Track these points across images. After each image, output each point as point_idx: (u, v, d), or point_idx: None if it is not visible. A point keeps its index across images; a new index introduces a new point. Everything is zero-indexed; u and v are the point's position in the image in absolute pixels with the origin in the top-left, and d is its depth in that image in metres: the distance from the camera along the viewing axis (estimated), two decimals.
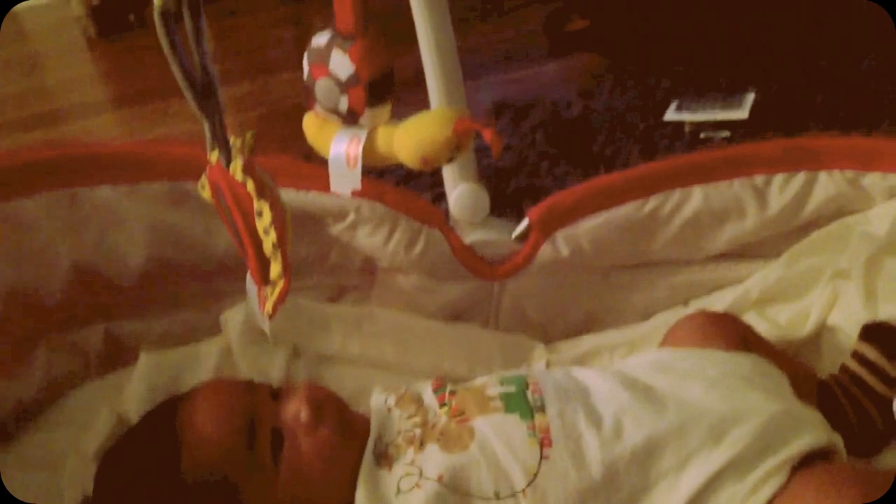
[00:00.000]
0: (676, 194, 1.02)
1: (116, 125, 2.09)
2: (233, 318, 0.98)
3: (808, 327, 0.99)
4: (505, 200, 1.38)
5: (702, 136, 1.53)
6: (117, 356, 0.98)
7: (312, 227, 1.00)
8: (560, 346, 1.07)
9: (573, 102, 1.69)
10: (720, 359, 0.85)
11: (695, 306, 1.07)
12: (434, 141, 0.74)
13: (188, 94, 0.68)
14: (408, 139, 0.76)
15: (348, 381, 0.99)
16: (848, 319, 0.96)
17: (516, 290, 1.05)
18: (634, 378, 0.83)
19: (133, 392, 0.93)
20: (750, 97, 1.58)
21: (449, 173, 1.08)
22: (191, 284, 1.00)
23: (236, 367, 0.97)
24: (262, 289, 0.76)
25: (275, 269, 0.72)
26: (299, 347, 1.01)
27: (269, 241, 0.70)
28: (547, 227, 1.01)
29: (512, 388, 0.82)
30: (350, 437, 0.82)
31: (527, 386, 0.82)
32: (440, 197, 1.13)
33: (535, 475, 0.75)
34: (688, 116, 1.56)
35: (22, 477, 0.87)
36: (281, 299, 0.72)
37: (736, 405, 0.78)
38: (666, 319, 1.06)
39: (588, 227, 1.01)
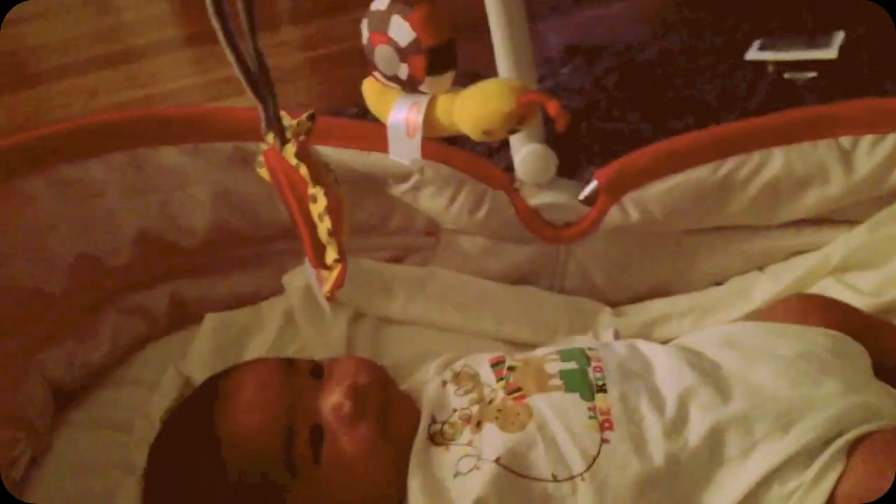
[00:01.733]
0: (755, 157, 0.96)
1: (190, 63, 2.09)
2: (295, 281, 0.98)
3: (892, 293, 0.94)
4: (574, 150, 1.33)
5: (786, 76, 1.45)
6: (182, 318, 0.99)
7: (374, 189, 0.99)
8: (627, 311, 1.04)
9: (647, 44, 1.61)
10: (796, 335, 0.81)
11: (771, 272, 1.03)
12: (497, 114, 0.71)
13: (242, 80, 0.66)
14: (470, 111, 0.73)
15: (410, 344, 0.99)
16: None
17: (582, 255, 1.02)
18: (701, 355, 0.80)
19: (198, 353, 0.94)
20: (839, 36, 1.48)
21: (515, 134, 1.04)
22: (255, 247, 1.00)
23: (298, 330, 0.97)
24: (319, 270, 0.75)
25: (330, 254, 0.71)
26: (361, 309, 1.00)
27: (323, 227, 0.68)
28: (615, 191, 0.97)
29: (573, 365, 0.80)
30: (394, 427, 0.79)
31: (588, 362, 0.80)
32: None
33: (595, 459, 0.73)
34: (771, 56, 1.48)
35: (90, 436, 0.90)
36: (338, 285, 0.71)
37: (806, 392, 0.75)
38: (739, 286, 1.02)
39: (658, 190, 0.97)
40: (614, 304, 1.05)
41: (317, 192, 0.68)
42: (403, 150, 0.77)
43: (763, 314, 0.90)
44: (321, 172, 0.69)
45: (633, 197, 0.97)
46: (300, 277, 0.98)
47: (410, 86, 0.76)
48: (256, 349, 0.96)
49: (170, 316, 1.00)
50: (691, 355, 0.80)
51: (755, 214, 1.00)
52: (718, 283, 1.05)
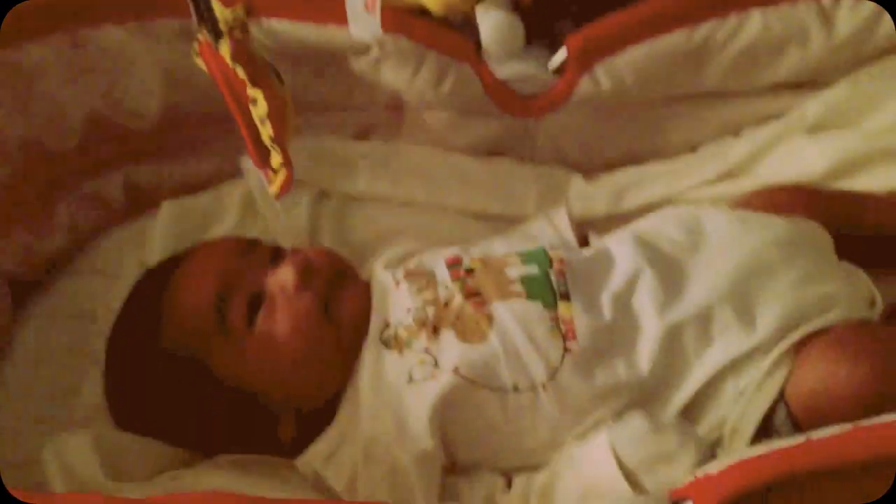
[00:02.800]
0: (731, 20, 0.92)
1: None
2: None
3: (884, 141, 0.91)
4: (550, 13, 1.27)
5: None
6: (140, 204, 0.96)
7: (333, 63, 0.94)
8: (600, 178, 1.01)
9: None
10: (758, 224, 0.80)
11: (747, 137, 0.99)
12: None
13: None
14: None
15: (376, 223, 0.96)
16: None
17: (553, 127, 0.99)
18: (661, 249, 0.79)
19: (157, 242, 0.92)
20: None
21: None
22: (209, 128, 0.96)
23: (259, 215, 0.95)
24: (265, 170, 0.71)
25: (275, 158, 0.67)
26: (324, 189, 0.97)
27: (265, 132, 0.65)
28: (586, 59, 0.93)
29: (535, 270, 0.78)
30: (340, 310, 0.78)
31: (550, 265, 0.78)
32: None
33: (557, 370, 0.72)
34: None
35: (53, 327, 0.89)
36: (285, 189, 0.68)
37: (763, 285, 0.74)
38: (713, 151, 1.00)
39: (631, 58, 0.92)
40: (587, 173, 1.01)
41: (256, 94, 0.64)
42: (363, 24, 0.73)
43: (738, 205, 0.88)
44: (261, 72, 0.65)
45: (604, 65, 0.93)
46: None
47: None
48: (217, 235, 0.93)
49: (126, 202, 0.97)
50: (650, 251, 0.78)
51: (732, 79, 0.96)
52: (692, 151, 1.02)
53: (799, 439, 0.56)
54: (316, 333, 0.76)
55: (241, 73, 0.64)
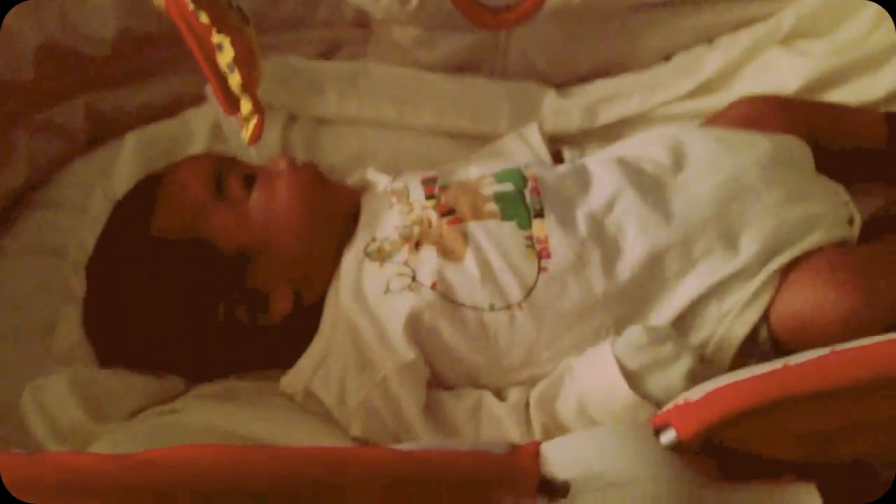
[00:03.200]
0: None
1: None
2: None
3: (852, 56, 0.91)
4: None
5: None
6: (102, 132, 0.94)
7: None
8: (572, 92, 1.00)
9: None
10: (740, 143, 0.79)
11: (719, 45, 0.98)
12: None
13: None
14: None
15: (347, 144, 0.95)
16: None
17: (523, 40, 0.97)
18: (644, 170, 0.78)
19: (124, 173, 0.89)
20: None
21: None
22: (170, 50, 0.92)
23: (228, 142, 0.92)
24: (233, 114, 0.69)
25: (245, 106, 0.65)
26: (293, 111, 0.95)
27: (234, 79, 0.62)
28: None
29: (508, 186, 0.77)
30: (331, 189, 0.82)
31: (525, 183, 0.77)
32: None
33: (532, 289, 0.73)
34: None
35: (23, 263, 0.87)
36: (257, 136, 0.66)
37: (746, 207, 0.74)
38: (687, 60, 0.99)
39: None
40: (559, 87, 1.00)
41: (222, 40, 0.61)
42: None
43: (710, 119, 0.87)
44: (225, 15, 0.62)
45: None
46: None
47: None
48: None
49: (88, 131, 0.94)
50: (632, 172, 0.78)
51: None
52: (665, 59, 1.01)
53: (777, 364, 0.58)
54: (314, 194, 0.80)
55: (204, 18, 0.61)
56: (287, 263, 0.78)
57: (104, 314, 0.80)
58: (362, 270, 0.76)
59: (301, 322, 0.78)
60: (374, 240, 0.78)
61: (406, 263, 0.75)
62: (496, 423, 0.72)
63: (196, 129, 0.93)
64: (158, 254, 0.77)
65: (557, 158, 0.92)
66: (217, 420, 0.73)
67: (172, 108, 0.95)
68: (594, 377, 0.71)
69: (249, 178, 0.80)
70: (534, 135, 0.93)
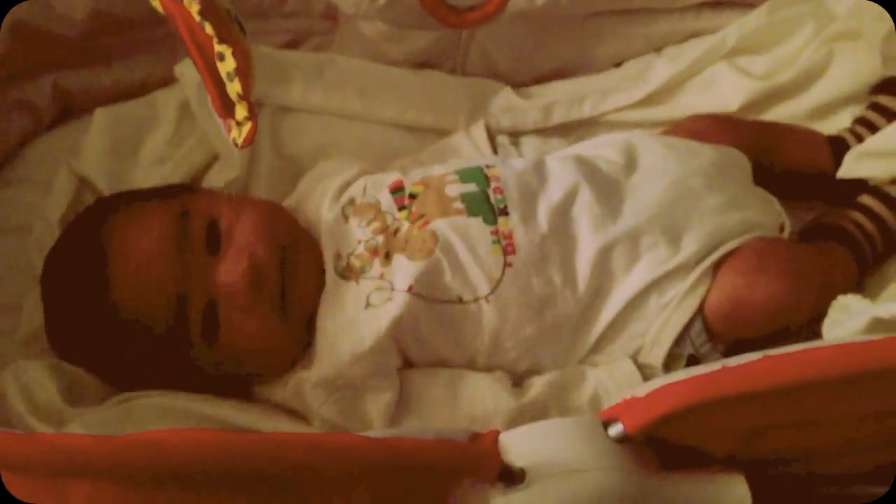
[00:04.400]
0: None
1: None
2: (189, 72, 0.93)
3: (788, 75, 0.97)
4: None
5: None
6: (69, 111, 0.94)
7: None
8: (529, 92, 1.04)
9: None
10: (687, 150, 0.85)
11: (667, 55, 1.04)
12: None
13: None
14: None
15: (311, 135, 0.97)
16: (854, 78, 0.94)
17: (485, 40, 1.00)
18: (599, 168, 0.83)
19: (92, 151, 0.91)
20: None
21: None
22: (141, 32, 0.94)
23: (196, 124, 0.94)
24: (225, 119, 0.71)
25: (240, 112, 0.67)
26: (258, 99, 0.96)
27: (233, 88, 0.65)
28: None
29: (473, 187, 0.81)
30: (295, 305, 0.78)
31: (488, 183, 0.81)
32: None
33: (499, 282, 0.77)
34: None
35: None
36: (249, 140, 0.68)
37: (690, 207, 0.80)
38: (637, 68, 1.04)
39: None
40: (516, 86, 1.04)
41: (224, 50, 0.63)
42: None
43: (665, 133, 0.93)
44: (227, 26, 0.64)
45: None
46: (194, 69, 0.92)
47: None
48: (153, 144, 0.93)
49: (55, 109, 0.95)
50: (588, 169, 0.82)
51: None
52: (617, 65, 1.06)
53: (716, 366, 0.64)
54: (277, 335, 0.78)
55: (209, 29, 0.63)
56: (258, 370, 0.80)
57: (63, 336, 0.80)
58: (340, 293, 0.78)
59: None
60: (339, 257, 0.80)
61: (382, 276, 0.78)
62: (474, 390, 0.76)
63: (164, 111, 0.95)
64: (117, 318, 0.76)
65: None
66: (191, 405, 0.75)
67: (141, 88, 0.97)
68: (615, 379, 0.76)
69: (210, 306, 0.76)
70: (480, 134, 0.97)
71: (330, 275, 0.80)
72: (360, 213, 0.82)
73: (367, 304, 0.77)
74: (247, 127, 0.68)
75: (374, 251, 0.79)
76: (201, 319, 0.75)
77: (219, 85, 0.68)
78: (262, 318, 0.76)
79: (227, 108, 0.69)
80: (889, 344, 0.58)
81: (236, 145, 0.69)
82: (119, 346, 0.76)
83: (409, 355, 0.79)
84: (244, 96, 0.67)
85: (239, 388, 0.81)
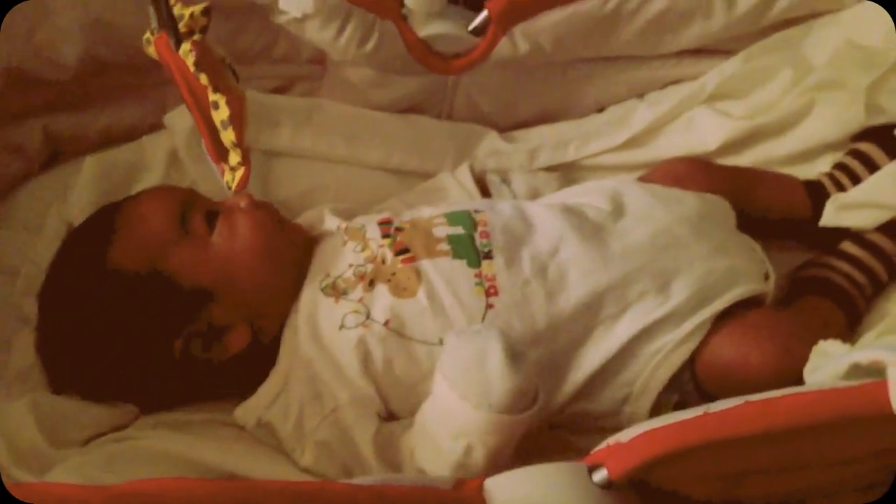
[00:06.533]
0: None
1: None
2: (179, 121, 0.94)
3: (768, 118, 0.98)
4: None
5: None
6: (59, 154, 0.95)
7: (257, 16, 0.94)
8: (514, 136, 1.06)
9: None
10: (673, 198, 0.86)
11: (649, 100, 1.06)
12: None
13: None
14: None
15: (299, 179, 0.98)
16: (835, 126, 0.95)
17: (471, 85, 1.02)
18: (584, 216, 0.84)
19: (81, 197, 0.91)
20: None
21: None
22: (132, 77, 0.95)
23: (185, 170, 0.95)
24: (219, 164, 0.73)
25: (234, 158, 0.69)
26: (247, 143, 0.97)
27: (227, 136, 0.66)
28: (506, 22, 0.96)
29: (460, 230, 0.82)
30: (288, 229, 0.85)
31: (475, 227, 0.82)
32: None
33: (480, 324, 0.78)
34: None
35: None
36: (242, 184, 0.70)
37: (677, 255, 0.81)
38: (619, 113, 1.06)
39: (548, 22, 0.96)
40: (501, 130, 1.06)
41: (219, 99, 0.65)
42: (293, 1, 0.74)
43: (645, 176, 0.94)
44: (222, 76, 0.66)
45: (523, 28, 0.96)
46: (184, 118, 0.94)
47: None
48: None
49: (45, 153, 0.95)
50: (575, 217, 0.83)
51: (640, 45, 1.01)
52: (600, 110, 1.08)
53: (698, 411, 0.64)
54: (273, 234, 0.82)
55: (203, 80, 0.65)
56: (246, 301, 0.81)
57: (57, 343, 0.81)
58: (318, 306, 0.80)
59: (256, 356, 0.81)
60: (328, 276, 0.82)
61: (361, 301, 0.79)
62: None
63: (153, 157, 0.96)
64: (115, 286, 0.78)
65: (486, 191, 0.98)
66: (172, 447, 0.76)
67: (131, 133, 0.98)
68: (434, 403, 0.72)
69: (211, 214, 0.82)
70: (465, 175, 0.99)
71: (313, 286, 0.81)
72: (354, 238, 0.84)
73: (342, 325, 0.78)
74: (240, 172, 0.69)
75: (361, 276, 0.81)
76: (204, 218, 0.81)
77: (213, 132, 0.69)
78: (264, 217, 0.83)
79: (220, 154, 0.70)
80: (869, 390, 0.59)
81: (230, 188, 0.70)
82: (118, 331, 0.78)
83: (391, 405, 0.80)
84: (238, 143, 0.68)
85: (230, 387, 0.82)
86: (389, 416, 0.80)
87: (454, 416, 0.69)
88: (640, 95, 1.07)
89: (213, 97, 0.66)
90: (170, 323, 0.79)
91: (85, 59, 0.92)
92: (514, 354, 0.69)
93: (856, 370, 0.64)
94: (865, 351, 0.63)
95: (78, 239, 0.84)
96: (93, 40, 0.91)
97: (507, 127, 1.07)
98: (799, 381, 0.74)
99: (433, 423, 0.72)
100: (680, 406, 0.81)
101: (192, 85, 0.67)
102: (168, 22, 0.66)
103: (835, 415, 0.60)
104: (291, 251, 0.83)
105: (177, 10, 0.67)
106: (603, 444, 0.66)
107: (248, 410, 0.80)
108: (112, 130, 0.97)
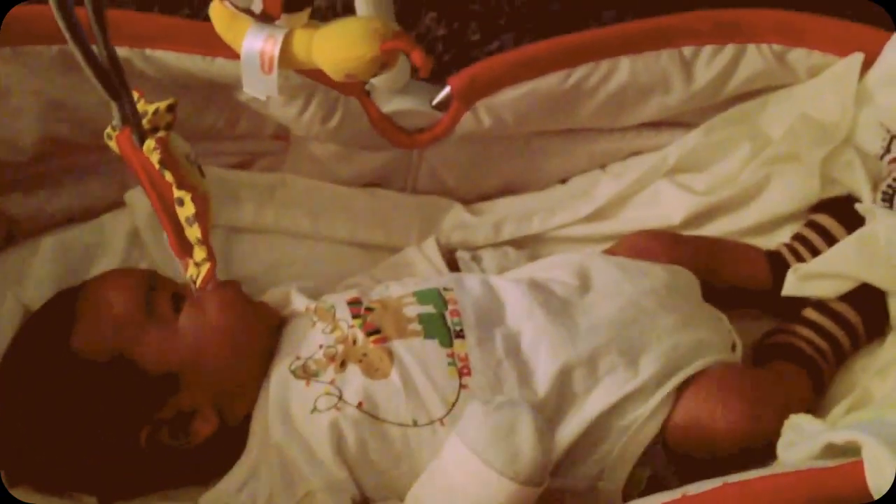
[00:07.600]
0: (603, 66, 0.98)
1: None
2: (140, 199, 0.92)
3: (727, 193, 1.00)
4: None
5: None
6: (14, 235, 0.93)
7: (220, 94, 0.93)
8: (478, 209, 1.06)
9: None
10: (639, 271, 0.87)
11: (612, 172, 1.07)
12: (359, 59, 0.68)
13: (93, 80, 0.60)
14: (331, 52, 0.70)
15: (262, 254, 0.98)
16: (792, 199, 0.96)
17: (435, 159, 1.03)
18: (551, 292, 0.84)
19: (38, 279, 0.89)
20: None
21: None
22: (91, 155, 0.93)
23: (146, 250, 0.93)
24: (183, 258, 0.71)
25: (199, 254, 0.68)
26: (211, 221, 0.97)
27: (192, 232, 0.65)
28: (468, 98, 0.97)
29: (430, 309, 0.82)
30: (256, 309, 0.83)
31: (445, 306, 0.82)
32: None
33: (454, 404, 0.77)
34: None
35: None
36: (207, 281, 0.68)
37: (645, 328, 0.81)
38: (583, 184, 1.07)
39: (510, 97, 0.97)
40: (466, 202, 1.07)
41: (184, 196, 0.64)
42: (259, 84, 0.74)
43: (611, 249, 0.95)
44: (186, 173, 0.65)
45: (485, 104, 0.97)
46: (145, 196, 0.92)
47: (264, 19, 0.71)
48: (102, 271, 0.91)
49: (1, 235, 0.93)
50: (542, 293, 0.84)
51: (601, 119, 1.03)
52: (563, 181, 1.09)
53: (675, 495, 0.64)
54: (242, 313, 0.81)
55: (168, 177, 0.64)
56: (213, 384, 0.79)
57: (14, 434, 0.78)
58: (289, 389, 0.78)
59: (224, 440, 0.79)
60: (298, 358, 0.80)
61: (332, 383, 0.78)
62: None
63: (112, 236, 0.94)
64: (79, 374, 0.76)
65: (453, 264, 0.98)
66: None
67: (89, 212, 0.96)
68: (449, 468, 0.72)
69: (177, 296, 0.81)
70: (432, 249, 0.99)
71: (282, 368, 0.80)
72: (324, 318, 0.83)
73: (314, 409, 0.77)
74: (205, 267, 0.68)
75: (332, 358, 0.79)
76: (170, 301, 0.80)
77: (177, 228, 0.68)
78: (232, 295, 0.82)
79: (184, 249, 0.69)
80: (846, 471, 0.60)
81: (194, 283, 0.68)
82: (80, 419, 0.76)
83: (365, 489, 0.78)
84: (203, 240, 0.67)
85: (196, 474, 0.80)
86: (363, 502, 0.78)
87: (471, 486, 0.69)
88: (603, 166, 1.08)
89: (177, 194, 0.65)
90: (136, 411, 0.77)
91: (42, 139, 0.90)
92: (542, 427, 0.70)
93: (830, 449, 0.64)
94: (840, 431, 0.63)
95: (37, 324, 0.82)
96: (51, 120, 0.90)
97: (472, 199, 1.07)
98: (767, 437, 0.74)
99: (440, 495, 0.71)
100: (653, 479, 0.81)
101: (155, 181, 0.66)
102: (132, 118, 0.65)
103: (812, 496, 0.60)
104: (261, 331, 0.82)
105: (140, 107, 0.66)
106: None
107: (215, 499, 0.78)
108: (71, 209, 0.95)
